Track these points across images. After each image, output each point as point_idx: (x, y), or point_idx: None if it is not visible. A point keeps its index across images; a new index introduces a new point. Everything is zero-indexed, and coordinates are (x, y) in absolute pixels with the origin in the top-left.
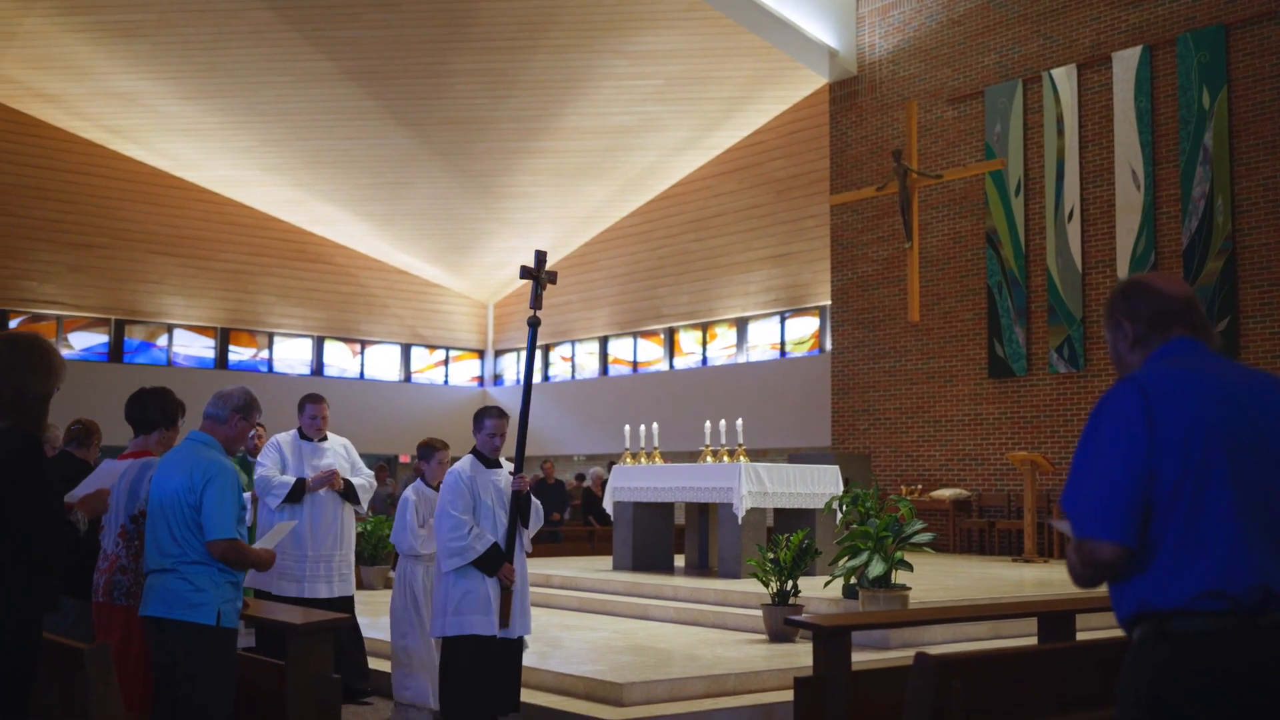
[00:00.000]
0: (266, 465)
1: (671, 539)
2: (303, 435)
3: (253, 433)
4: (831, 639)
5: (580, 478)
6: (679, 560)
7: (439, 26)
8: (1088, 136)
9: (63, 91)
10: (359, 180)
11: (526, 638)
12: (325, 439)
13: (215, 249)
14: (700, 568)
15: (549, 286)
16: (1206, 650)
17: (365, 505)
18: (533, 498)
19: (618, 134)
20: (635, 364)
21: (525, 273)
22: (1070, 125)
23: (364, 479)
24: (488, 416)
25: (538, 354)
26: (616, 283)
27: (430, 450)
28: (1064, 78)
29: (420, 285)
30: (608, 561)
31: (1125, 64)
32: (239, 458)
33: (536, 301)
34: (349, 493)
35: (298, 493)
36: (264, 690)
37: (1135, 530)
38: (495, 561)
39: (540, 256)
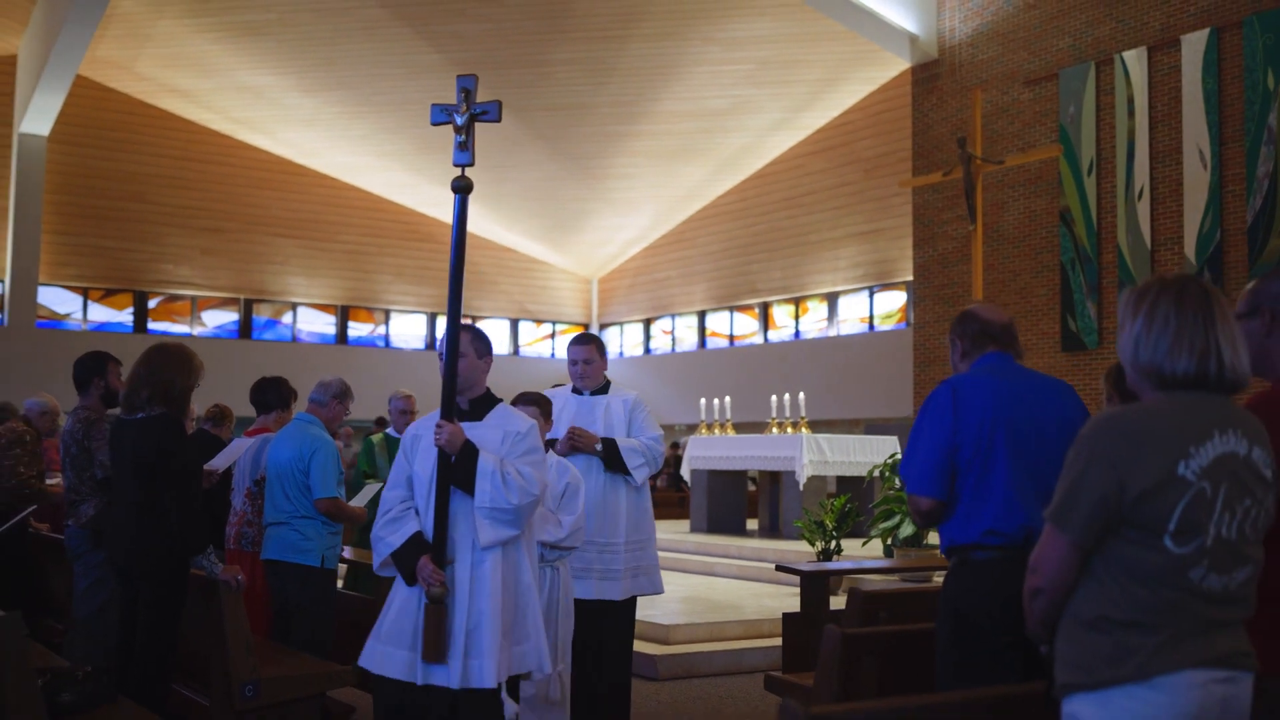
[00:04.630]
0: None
1: (744, 504)
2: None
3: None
4: (813, 581)
5: (676, 446)
6: (751, 524)
7: (539, 19)
8: (1157, 117)
9: (194, 87)
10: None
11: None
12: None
13: (335, 231)
14: (771, 530)
15: (477, 129)
16: (991, 574)
17: None
18: (488, 461)
19: (712, 116)
20: (731, 337)
21: (436, 116)
22: (1140, 106)
23: None
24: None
25: (638, 326)
26: (713, 259)
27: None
28: (1134, 60)
29: (527, 262)
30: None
31: (1193, 46)
32: (384, 434)
33: (464, 151)
34: None
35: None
36: (357, 620)
37: (944, 488)
38: (408, 559)
39: (465, 83)
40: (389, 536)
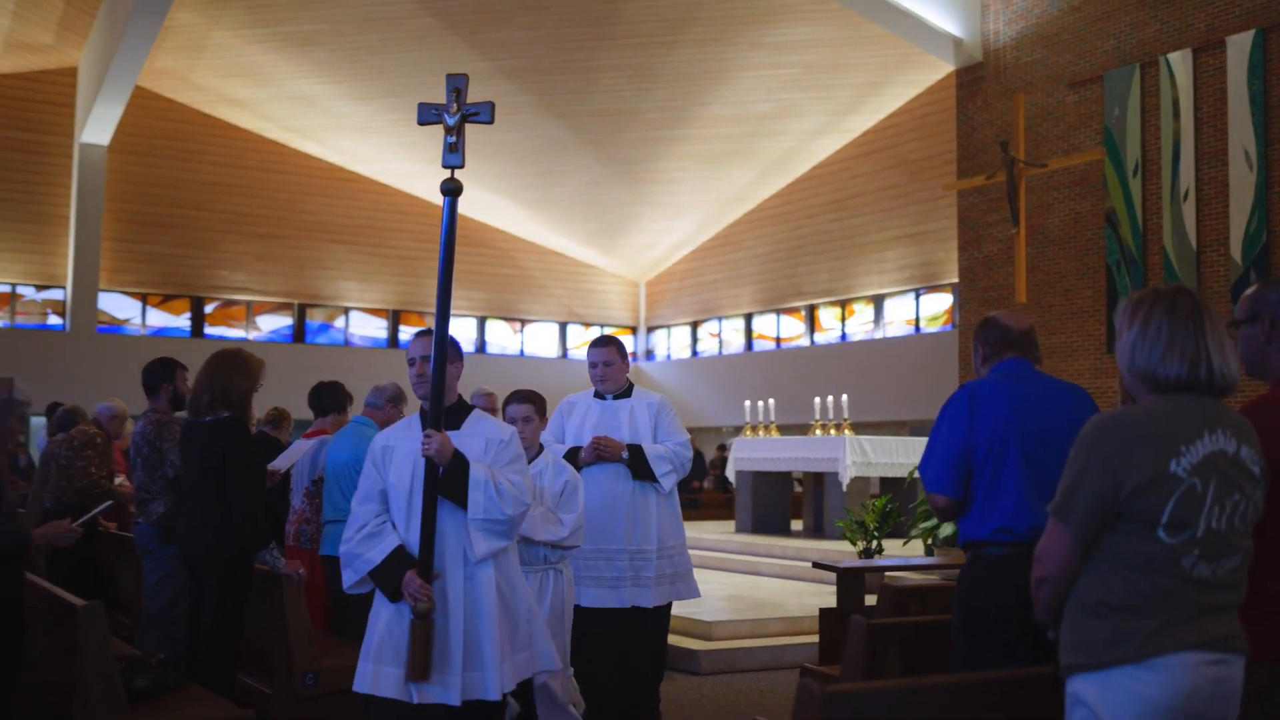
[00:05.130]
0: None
1: (788, 505)
2: None
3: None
4: (848, 578)
5: (722, 448)
6: (796, 524)
7: (585, 26)
8: (1202, 119)
9: (248, 96)
10: (516, 169)
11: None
12: None
13: (386, 236)
14: (815, 531)
15: (468, 131)
16: (1002, 568)
17: None
18: (479, 471)
19: (757, 120)
20: (778, 339)
21: (425, 115)
22: (1186, 108)
23: None
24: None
25: (685, 328)
26: (759, 261)
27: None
28: (1179, 62)
29: (575, 266)
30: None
31: (1239, 47)
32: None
33: (454, 154)
34: None
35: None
36: None
37: (959, 486)
38: (390, 575)
39: (456, 82)
40: (367, 552)
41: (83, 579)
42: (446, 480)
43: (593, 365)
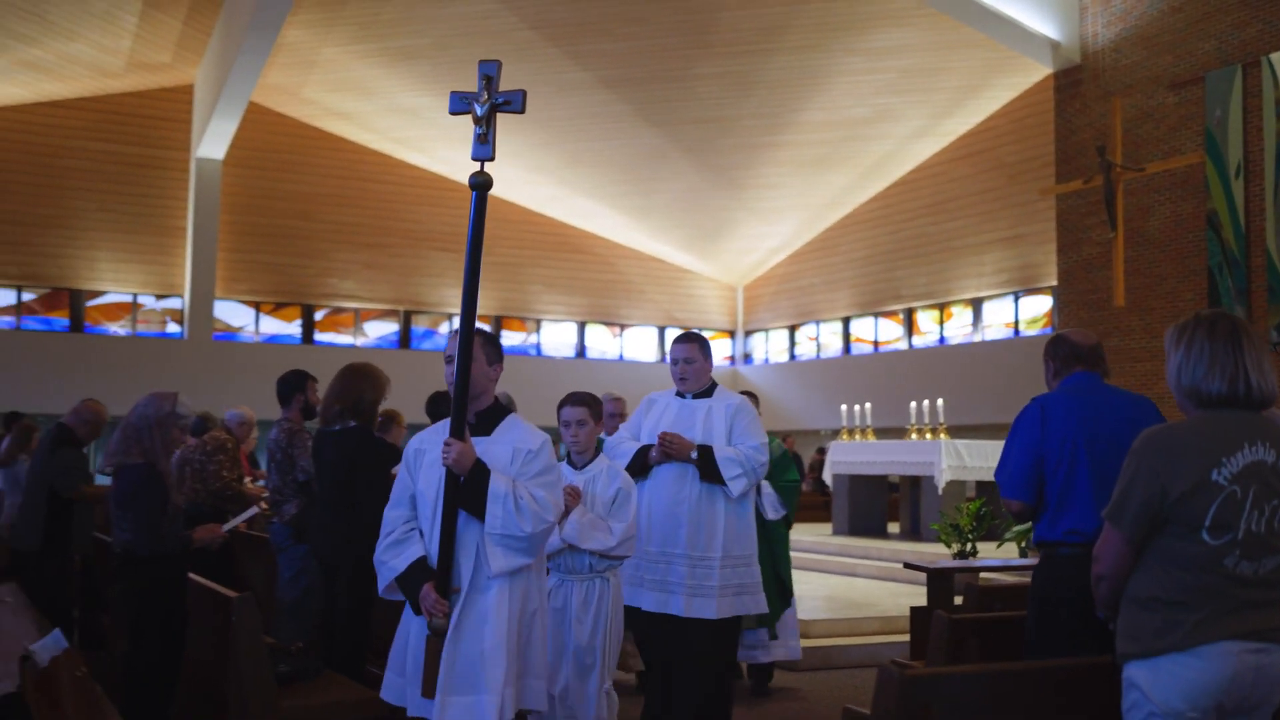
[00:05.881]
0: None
1: (885, 507)
2: None
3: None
4: (937, 578)
5: (821, 451)
6: (893, 527)
7: (683, 35)
8: None
9: (356, 110)
10: (615, 177)
11: None
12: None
13: (488, 244)
14: (912, 533)
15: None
16: (1071, 567)
17: None
18: (500, 484)
19: (855, 125)
20: (876, 343)
21: (456, 105)
22: None
23: None
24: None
25: (784, 332)
26: (857, 265)
27: None
28: None
29: (674, 271)
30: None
31: None
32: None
33: (484, 145)
34: None
35: None
36: None
37: (1032, 492)
38: (412, 586)
39: (487, 69)
40: (392, 560)
41: (219, 575)
42: (465, 491)
43: (674, 362)
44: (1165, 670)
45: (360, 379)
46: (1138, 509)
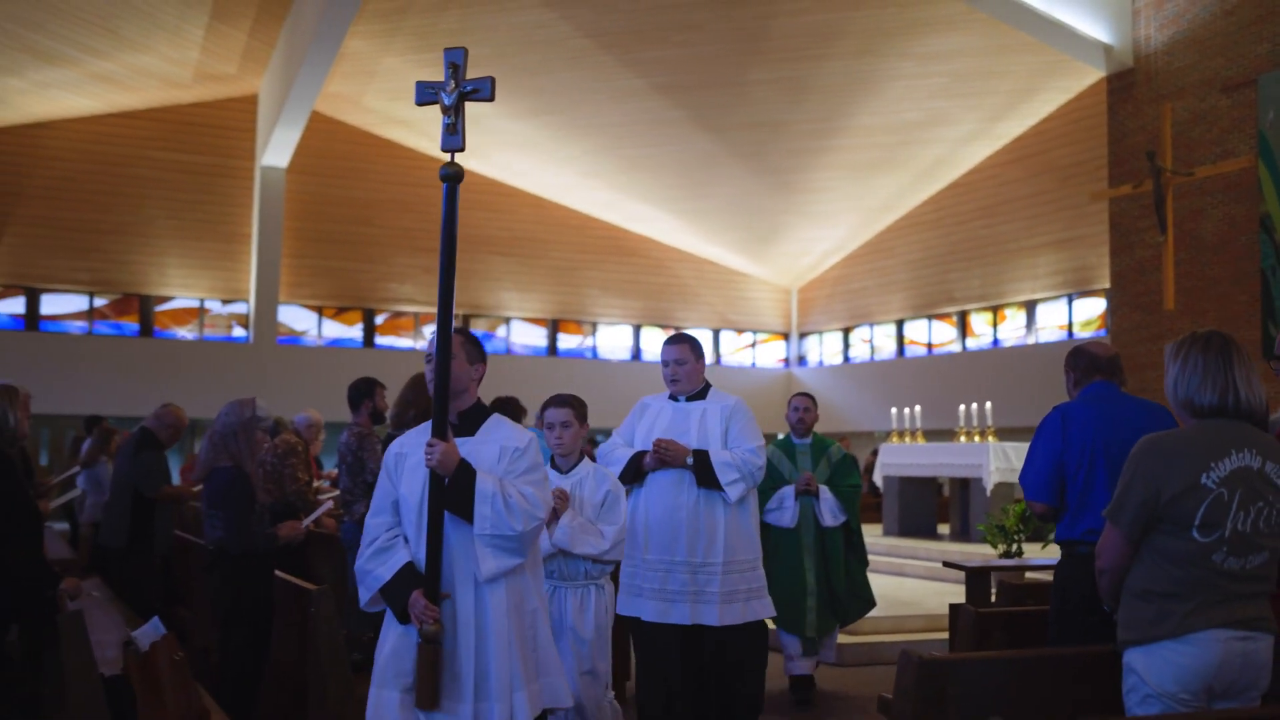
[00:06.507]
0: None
1: (935, 509)
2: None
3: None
4: (976, 576)
5: (875, 453)
6: (943, 528)
7: (737, 42)
8: None
9: (414, 117)
10: (669, 181)
11: None
12: None
13: (545, 248)
14: (962, 534)
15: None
16: (1089, 564)
17: None
18: (487, 483)
19: (907, 129)
20: (929, 345)
21: (422, 95)
22: None
23: None
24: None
25: (837, 334)
26: (910, 268)
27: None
28: None
29: (728, 274)
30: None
31: None
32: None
33: (454, 135)
34: None
35: None
36: None
37: (1054, 495)
38: (399, 594)
39: (453, 56)
40: (377, 569)
41: (294, 571)
42: (451, 493)
43: (664, 364)
44: (1159, 656)
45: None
46: (1135, 509)
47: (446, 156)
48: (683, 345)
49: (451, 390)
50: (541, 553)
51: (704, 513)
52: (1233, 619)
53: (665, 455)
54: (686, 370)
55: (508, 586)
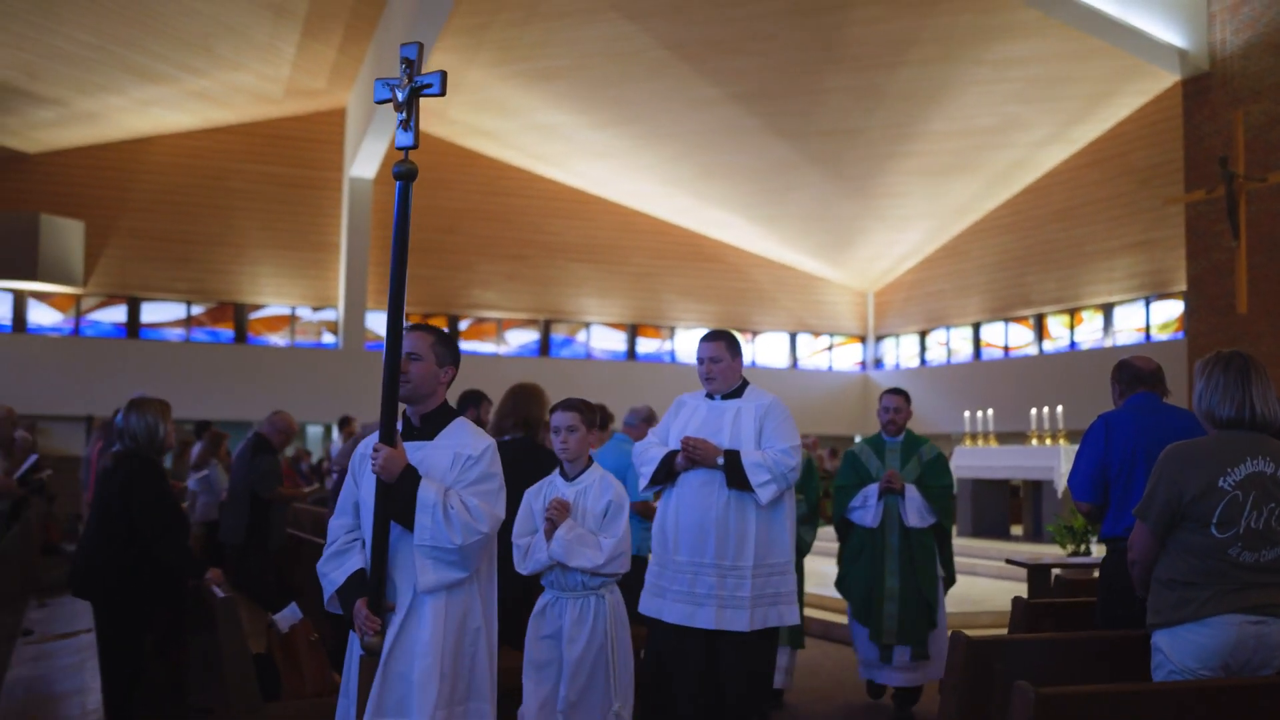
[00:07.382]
0: None
1: (1007, 510)
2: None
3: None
4: (1036, 573)
5: (949, 456)
6: (1016, 529)
7: (812, 50)
8: None
9: (497, 128)
10: (746, 188)
11: None
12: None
13: (624, 255)
14: (1034, 535)
15: (420, 102)
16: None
17: None
18: (429, 492)
19: (982, 134)
20: (1006, 348)
21: (380, 94)
22: None
23: None
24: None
25: (914, 337)
26: (987, 271)
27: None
28: None
29: (804, 278)
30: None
31: None
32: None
33: (406, 131)
34: None
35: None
36: None
37: (1098, 495)
38: (349, 601)
39: (407, 52)
40: (332, 573)
41: None
42: (394, 499)
43: (700, 361)
44: (1181, 637)
45: (531, 398)
46: (1160, 507)
47: (530, 167)
48: (718, 342)
49: (415, 393)
50: (540, 564)
51: (734, 514)
52: (1247, 605)
53: (695, 455)
54: (721, 368)
55: (449, 602)
